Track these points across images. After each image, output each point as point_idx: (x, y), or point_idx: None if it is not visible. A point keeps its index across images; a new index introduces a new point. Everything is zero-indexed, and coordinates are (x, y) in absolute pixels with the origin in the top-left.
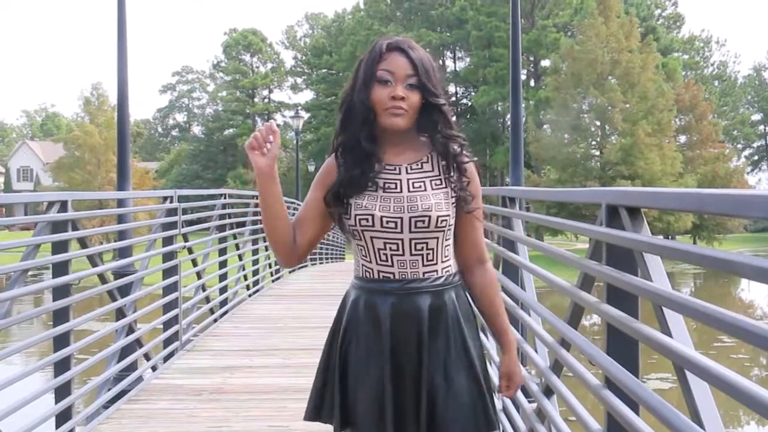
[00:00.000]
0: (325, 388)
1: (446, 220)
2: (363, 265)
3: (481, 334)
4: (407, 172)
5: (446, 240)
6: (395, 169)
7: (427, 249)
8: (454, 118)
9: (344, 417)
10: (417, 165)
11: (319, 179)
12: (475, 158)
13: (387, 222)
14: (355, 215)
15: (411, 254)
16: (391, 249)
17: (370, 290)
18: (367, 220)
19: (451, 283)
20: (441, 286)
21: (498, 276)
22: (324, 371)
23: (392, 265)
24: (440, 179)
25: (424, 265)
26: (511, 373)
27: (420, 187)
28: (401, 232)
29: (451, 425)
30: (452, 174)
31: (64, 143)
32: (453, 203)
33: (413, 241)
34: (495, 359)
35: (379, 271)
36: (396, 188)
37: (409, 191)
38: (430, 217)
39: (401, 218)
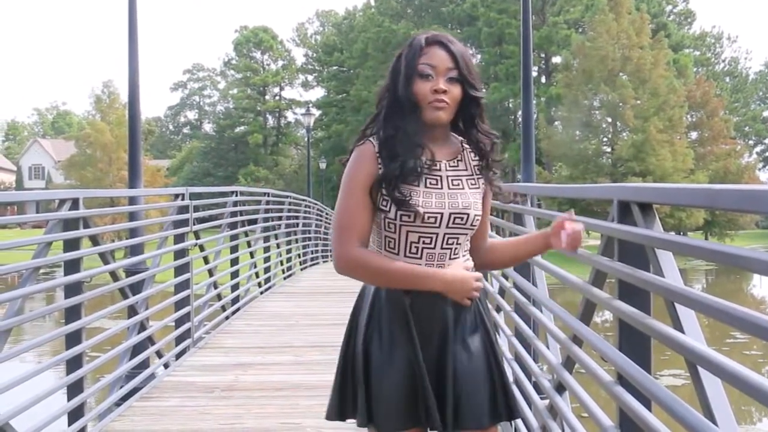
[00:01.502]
0: (345, 386)
1: (479, 218)
2: (385, 255)
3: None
4: (446, 169)
5: (470, 236)
6: (436, 165)
7: (457, 244)
8: None
9: (369, 411)
10: (454, 162)
11: (359, 174)
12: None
13: (428, 218)
14: (398, 210)
15: (441, 248)
16: (424, 242)
17: None
18: (409, 216)
19: None
20: None
21: (509, 273)
22: (343, 369)
23: (420, 257)
24: (473, 179)
25: (450, 259)
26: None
27: (458, 185)
28: (439, 227)
29: (476, 413)
30: (485, 170)
31: (75, 141)
32: (482, 202)
33: (446, 236)
34: (507, 355)
35: (404, 262)
36: (437, 184)
37: (449, 188)
38: (468, 214)
39: (441, 214)
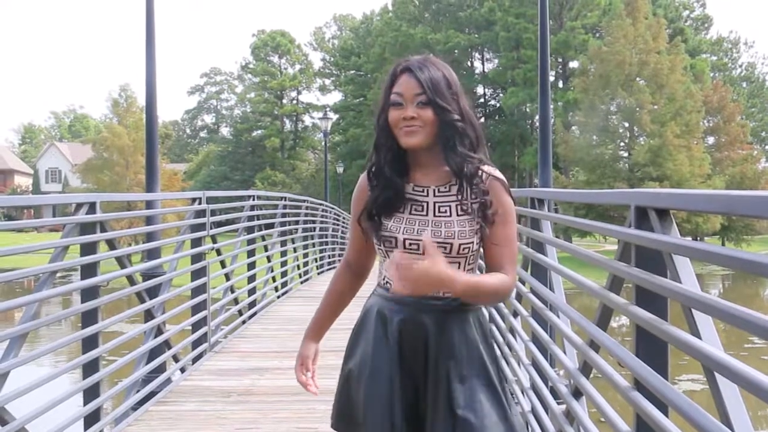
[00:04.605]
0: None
1: (469, 247)
2: (385, 275)
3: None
4: (434, 195)
5: (469, 264)
6: (423, 191)
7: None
8: (474, 134)
9: (349, 419)
10: (445, 188)
11: (353, 200)
12: (498, 175)
13: (410, 244)
14: (380, 236)
15: None
16: None
17: (387, 299)
18: (390, 242)
19: (468, 306)
20: (456, 307)
21: (526, 277)
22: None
23: None
24: (466, 205)
25: None
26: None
27: (445, 212)
28: (423, 253)
29: None
30: (469, 196)
31: (92, 145)
32: (477, 230)
33: None
34: (524, 360)
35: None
36: (422, 210)
37: (434, 215)
38: (452, 244)
39: (423, 241)
